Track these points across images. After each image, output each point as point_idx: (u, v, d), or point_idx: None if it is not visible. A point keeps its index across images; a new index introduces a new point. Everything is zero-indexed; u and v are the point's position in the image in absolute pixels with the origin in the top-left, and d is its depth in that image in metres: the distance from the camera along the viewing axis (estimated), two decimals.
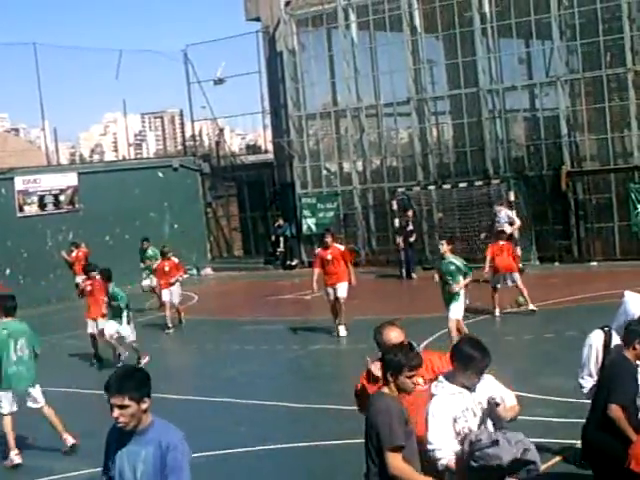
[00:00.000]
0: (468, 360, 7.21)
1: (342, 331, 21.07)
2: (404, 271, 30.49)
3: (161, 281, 25.05)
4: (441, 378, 7.37)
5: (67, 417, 14.84)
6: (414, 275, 30.12)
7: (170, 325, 23.90)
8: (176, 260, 25.56)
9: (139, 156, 73.12)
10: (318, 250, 23.21)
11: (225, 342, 22.43)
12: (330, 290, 21.11)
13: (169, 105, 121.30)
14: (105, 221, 34.35)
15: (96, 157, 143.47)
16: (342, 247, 22.22)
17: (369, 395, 7.48)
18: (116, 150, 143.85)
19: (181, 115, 44.76)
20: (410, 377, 7.04)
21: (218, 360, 20.31)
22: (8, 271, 31.71)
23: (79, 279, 33.27)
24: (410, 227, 30.60)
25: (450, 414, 7.16)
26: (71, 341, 23.94)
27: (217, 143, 42.37)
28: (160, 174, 37.52)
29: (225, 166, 40.89)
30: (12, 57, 41.04)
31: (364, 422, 7.20)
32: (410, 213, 30.96)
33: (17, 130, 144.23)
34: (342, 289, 20.95)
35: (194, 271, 37.13)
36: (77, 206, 34.21)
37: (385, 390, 7.11)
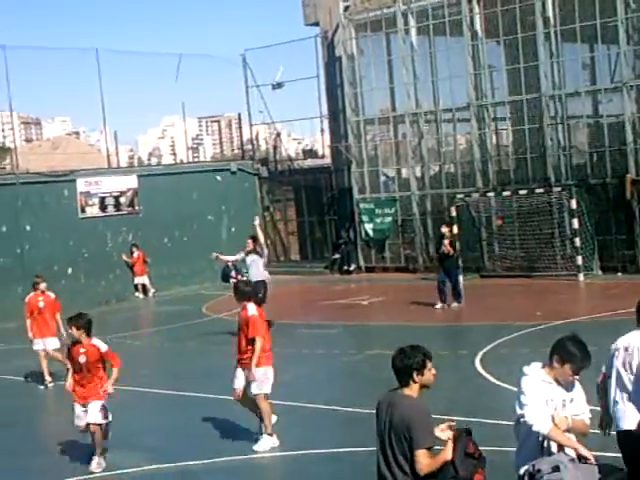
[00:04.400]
0: (568, 356, 7.39)
1: None
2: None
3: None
4: (536, 365, 7.53)
5: (128, 414, 15.02)
6: (462, 302, 25.24)
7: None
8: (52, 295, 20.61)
9: (196, 160, 73.56)
10: None
11: (281, 345, 22.21)
12: None
13: (226, 109, 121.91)
14: (164, 223, 34.62)
15: (154, 160, 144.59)
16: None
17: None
18: (174, 153, 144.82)
19: (239, 119, 44.76)
20: (430, 369, 7.15)
21: (274, 363, 20.26)
22: (70, 270, 32.10)
23: (139, 280, 33.75)
24: (443, 248, 25.23)
25: (541, 395, 7.33)
26: (130, 341, 24.16)
27: (274, 147, 42.46)
28: (218, 177, 37.72)
29: (282, 170, 40.97)
30: (74, 62, 41.39)
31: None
32: (445, 229, 25.85)
33: (78, 133, 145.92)
34: None
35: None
36: (137, 208, 34.52)
37: (406, 392, 7.12)
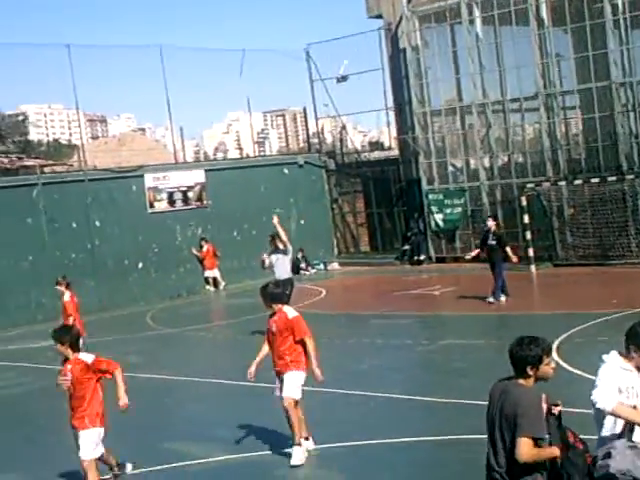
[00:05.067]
0: None
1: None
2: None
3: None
4: (616, 353, 7.43)
5: (201, 406, 15.14)
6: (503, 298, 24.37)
7: None
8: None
9: (262, 154, 73.84)
10: None
11: (354, 336, 22.46)
12: None
13: (290, 103, 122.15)
14: (232, 217, 34.81)
15: (220, 155, 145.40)
16: None
17: None
18: (239, 148, 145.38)
19: (304, 113, 44.81)
20: (548, 363, 7.03)
21: (348, 354, 20.30)
22: (140, 265, 32.47)
23: (209, 273, 33.99)
24: (491, 240, 24.42)
25: (617, 383, 7.22)
26: (202, 333, 24.35)
27: (340, 140, 42.46)
28: (285, 171, 37.84)
29: (350, 163, 40.96)
30: (139, 59, 41.74)
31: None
32: (490, 223, 25.05)
33: (143, 130, 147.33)
34: None
35: (321, 266, 37.40)
36: (205, 202, 34.76)
37: (520, 381, 7.03)
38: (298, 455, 11.88)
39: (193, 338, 23.86)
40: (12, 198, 30.06)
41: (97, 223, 31.87)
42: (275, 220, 21.77)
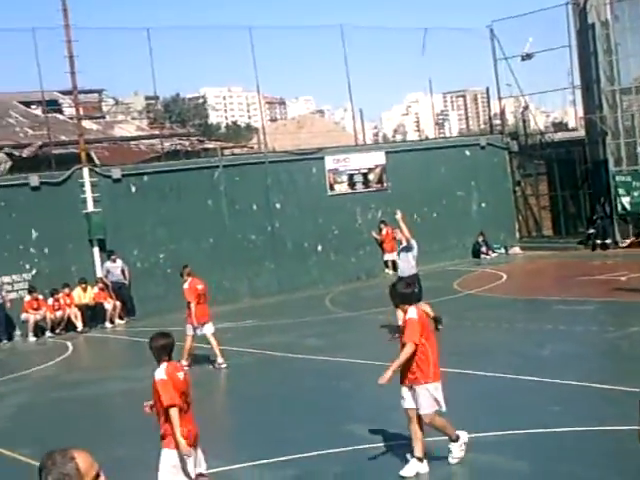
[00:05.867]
0: None
1: None
2: None
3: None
4: None
5: (384, 390, 14.94)
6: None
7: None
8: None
9: (442, 135, 73.00)
10: None
11: (536, 321, 21.87)
12: None
13: (471, 83, 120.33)
14: (412, 200, 34.36)
15: (398, 137, 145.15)
16: None
17: None
18: (418, 130, 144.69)
19: (486, 93, 43.85)
20: None
21: (530, 339, 19.78)
22: (320, 247, 32.49)
23: (388, 257, 33.63)
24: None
25: None
26: (381, 317, 24.08)
27: (523, 121, 41.35)
28: (467, 152, 37.14)
29: (533, 144, 39.84)
30: (319, 40, 41.69)
31: None
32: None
33: (322, 112, 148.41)
34: None
35: (502, 250, 36.61)
36: (385, 185, 34.45)
37: None
38: (411, 469, 11.02)
39: (372, 322, 23.63)
40: (194, 180, 30.54)
41: (277, 205, 32.04)
42: (398, 215, 20.85)
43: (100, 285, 27.92)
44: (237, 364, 19.85)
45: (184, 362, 18.24)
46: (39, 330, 26.86)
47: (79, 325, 27.12)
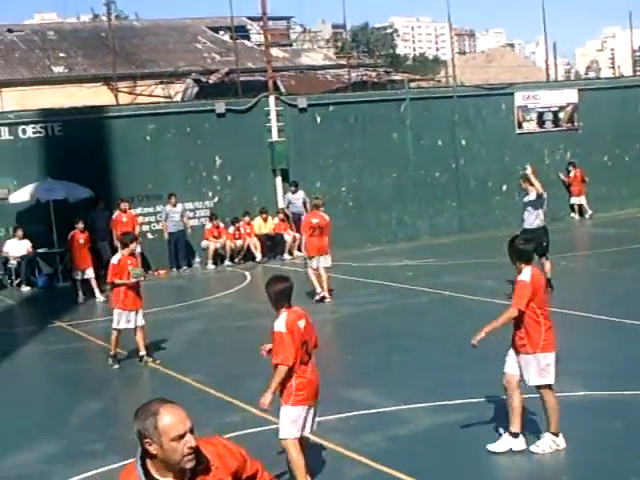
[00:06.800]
0: None
1: None
2: None
3: None
4: None
5: (561, 338, 14.52)
6: None
7: None
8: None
9: None
10: None
11: None
12: None
13: None
14: (603, 141, 33.01)
15: (591, 74, 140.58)
16: None
17: None
18: (613, 67, 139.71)
19: None
20: None
21: None
22: (504, 187, 31.53)
23: (575, 200, 32.48)
24: None
25: None
26: (564, 262, 23.38)
27: None
28: None
29: None
30: None
31: None
32: None
33: (512, 45, 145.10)
34: None
35: None
36: (576, 124, 33.10)
37: None
38: (544, 444, 9.95)
39: (553, 267, 22.80)
40: (380, 112, 30.08)
41: (463, 142, 31.27)
42: (529, 170, 19.43)
43: (281, 216, 27.94)
44: (414, 303, 19.57)
45: (318, 290, 19.93)
46: (218, 258, 27.18)
47: (258, 255, 27.27)
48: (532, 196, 19.11)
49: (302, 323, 8.92)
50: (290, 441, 8.90)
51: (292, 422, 8.89)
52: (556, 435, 9.90)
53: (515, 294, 9.82)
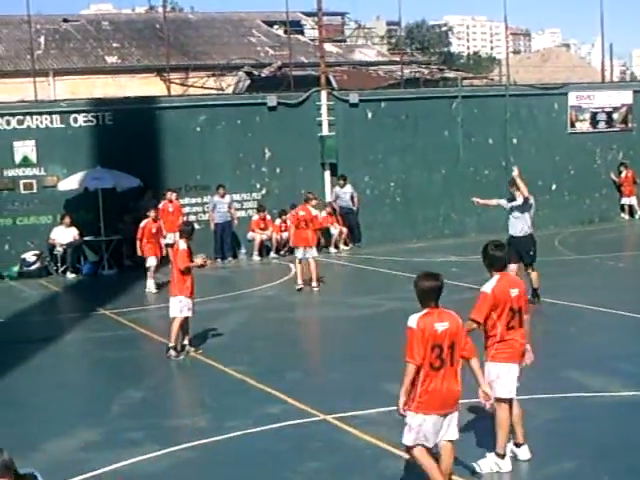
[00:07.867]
0: None
1: None
2: None
3: None
4: None
5: (606, 337, 14.36)
6: None
7: None
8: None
9: None
10: None
11: None
12: None
13: None
14: None
15: None
16: None
17: None
18: None
19: None
20: None
21: None
22: (554, 186, 31.28)
23: (626, 200, 32.15)
24: None
25: None
26: (612, 262, 23.18)
27: None
28: None
29: None
30: None
31: None
32: None
33: (567, 46, 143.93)
34: None
35: None
36: (630, 125, 32.72)
37: None
38: (486, 464, 9.43)
39: (601, 267, 22.67)
40: (431, 110, 29.91)
41: (514, 140, 31.00)
42: (515, 172, 18.80)
43: (328, 209, 27.88)
44: (459, 299, 19.33)
45: (299, 281, 21.15)
46: (264, 250, 27.20)
47: None
48: (519, 200, 18.49)
49: (440, 327, 8.42)
50: (414, 450, 8.40)
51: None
52: (501, 457, 9.35)
53: (475, 305, 9.36)
